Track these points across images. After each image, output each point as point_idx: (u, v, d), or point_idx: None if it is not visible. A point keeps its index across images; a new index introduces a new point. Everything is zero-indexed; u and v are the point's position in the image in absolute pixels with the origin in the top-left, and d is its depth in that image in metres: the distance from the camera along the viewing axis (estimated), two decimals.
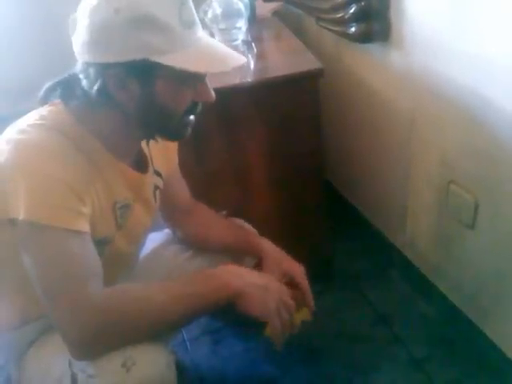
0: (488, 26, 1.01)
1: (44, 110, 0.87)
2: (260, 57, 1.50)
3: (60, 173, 0.79)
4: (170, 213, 1.17)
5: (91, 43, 0.80)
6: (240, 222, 1.26)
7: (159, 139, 0.99)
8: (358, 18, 1.33)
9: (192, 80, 0.85)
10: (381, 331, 1.47)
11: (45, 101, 0.90)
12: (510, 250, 1.15)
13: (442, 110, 1.22)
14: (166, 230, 1.24)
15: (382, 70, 1.40)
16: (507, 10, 0.95)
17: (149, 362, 0.82)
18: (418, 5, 1.19)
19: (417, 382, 1.32)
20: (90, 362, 0.80)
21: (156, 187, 1.05)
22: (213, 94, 0.89)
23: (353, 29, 1.36)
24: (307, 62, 1.38)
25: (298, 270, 1.10)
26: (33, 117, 0.86)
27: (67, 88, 0.88)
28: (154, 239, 1.20)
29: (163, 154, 1.07)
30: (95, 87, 0.82)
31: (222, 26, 1.49)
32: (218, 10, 1.48)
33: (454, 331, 1.39)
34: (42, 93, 0.90)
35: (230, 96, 1.31)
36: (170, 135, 0.95)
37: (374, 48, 1.38)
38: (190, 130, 0.92)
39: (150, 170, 1.02)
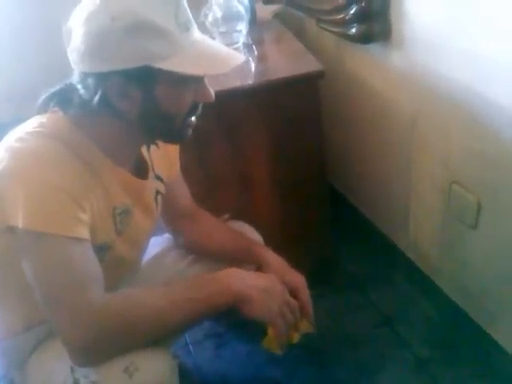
0: (488, 25, 1.01)
1: (43, 118, 0.87)
2: (261, 59, 1.50)
3: (58, 180, 0.79)
4: (172, 218, 1.16)
5: (89, 53, 0.79)
6: (243, 226, 1.25)
7: (160, 143, 0.99)
8: (358, 18, 1.33)
9: (192, 82, 0.85)
10: (385, 333, 1.46)
11: (42, 110, 0.89)
12: (511, 250, 1.15)
13: (443, 111, 1.22)
14: (167, 235, 1.23)
15: (382, 70, 1.40)
16: (507, 9, 0.95)
17: (151, 367, 0.82)
18: (418, 5, 1.19)
19: (421, 383, 1.31)
20: (91, 367, 0.80)
21: (157, 192, 1.04)
22: (212, 93, 0.89)
23: (353, 30, 1.36)
24: (308, 64, 1.38)
25: (300, 282, 1.06)
26: (31, 124, 0.86)
27: (64, 98, 0.88)
28: (155, 244, 1.19)
29: (164, 158, 1.06)
30: (96, 98, 0.82)
31: (223, 29, 1.49)
32: (219, 14, 1.48)
33: (458, 332, 1.39)
34: (39, 102, 0.90)
35: (231, 99, 1.31)
36: (172, 138, 0.95)
37: (374, 49, 1.38)
38: (191, 131, 0.92)
39: (151, 175, 1.01)
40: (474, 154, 1.17)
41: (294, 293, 1.01)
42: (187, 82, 0.84)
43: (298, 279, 1.06)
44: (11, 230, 0.78)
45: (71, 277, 0.79)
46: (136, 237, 1.01)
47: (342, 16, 1.39)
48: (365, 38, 1.35)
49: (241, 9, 1.51)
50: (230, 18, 1.49)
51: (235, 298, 0.87)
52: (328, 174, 1.59)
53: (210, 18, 1.49)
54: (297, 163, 1.44)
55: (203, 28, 1.42)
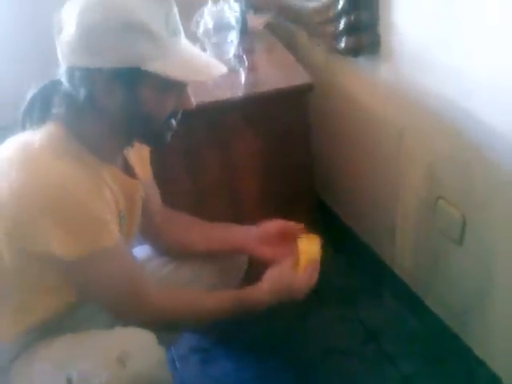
0: (474, 42, 1.01)
1: (38, 132, 0.86)
2: (251, 70, 1.50)
3: (83, 199, 0.82)
4: (148, 223, 1.13)
5: (80, 47, 0.80)
6: None
7: (136, 145, 1.00)
8: (347, 31, 1.33)
9: (176, 88, 0.87)
10: (370, 348, 1.45)
11: (28, 115, 0.89)
12: (496, 266, 1.14)
13: (429, 125, 1.22)
14: (145, 245, 1.22)
15: (371, 83, 1.41)
16: (493, 26, 0.96)
17: (143, 355, 0.85)
18: (406, 19, 1.19)
19: None
20: (84, 359, 0.84)
21: (140, 195, 1.04)
22: (193, 101, 0.91)
23: (343, 43, 1.36)
24: (297, 76, 1.39)
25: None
26: (32, 142, 0.85)
27: (47, 98, 0.88)
28: (137, 252, 1.18)
29: (139, 158, 1.06)
30: (81, 91, 0.83)
31: (214, 39, 1.49)
32: (210, 24, 1.48)
33: (443, 347, 1.38)
34: (24, 109, 0.90)
35: (221, 110, 1.32)
36: (151, 141, 0.96)
37: (363, 62, 1.39)
38: (170, 136, 0.93)
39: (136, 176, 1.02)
40: (460, 169, 1.17)
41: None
42: (171, 88, 0.86)
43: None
44: (38, 254, 0.83)
45: (124, 282, 0.90)
46: (128, 240, 1.02)
47: (331, 29, 1.39)
48: (354, 51, 1.35)
49: (232, 19, 1.51)
50: (221, 28, 1.49)
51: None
52: (315, 187, 1.59)
53: (201, 29, 1.49)
54: (286, 175, 1.44)
55: (194, 38, 1.42)
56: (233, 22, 1.50)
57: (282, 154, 1.41)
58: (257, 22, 1.77)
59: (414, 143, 1.30)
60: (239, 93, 1.37)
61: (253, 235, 1.16)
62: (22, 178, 0.81)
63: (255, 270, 1.25)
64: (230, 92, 1.35)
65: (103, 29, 0.79)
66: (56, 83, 0.88)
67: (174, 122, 0.91)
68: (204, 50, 1.50)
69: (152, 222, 1.14)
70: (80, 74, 0.82)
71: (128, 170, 1.00)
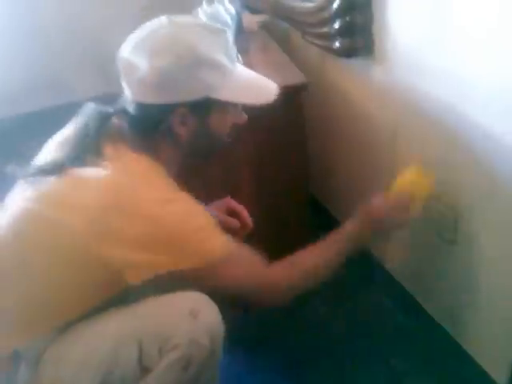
0: (468, 45, 1.03)
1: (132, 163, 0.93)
2: None
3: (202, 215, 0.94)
4: None
5: (156, 87, 0.89)
6: None
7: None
8: (342, 33, 1.35)
9: (235, 108, 0.99)
10: (360, 344, 1.47)
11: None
12: (488, 265, 1.16)
13: (422, 126, 1.24)
14: None
15: (365, 84, 1.42)
16: (487, 29, 0.97)
17: (210, 310, 0.92)
18: (401, 22, 1.21)
19: None
20: (153, 322, 0.90)
21: None
22: (245, 115, 1.02)
23: (337, 43, 1.38)
24: (292, 76, 1.40)
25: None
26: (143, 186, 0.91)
27: (124, 131, 0.96)
28: None
29: None
30: (162, 126, 0.93)
31: None
32: None
33: (434, 346, 1.39)
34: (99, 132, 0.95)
35: None
36: (209, 156, 1.08)
37: (357, 63, 1.40)
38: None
39: None
40: (452, 169, 1.19)
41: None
42: (233, 108, 0.98)
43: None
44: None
45: (248, 270, 0.97)
46: None
47: (326, 30, 1.41)
48: (348, 52, 1.37)
49: (228, 18, 1.52)
50: None
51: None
52: (309, 186, 1.61)
53: None
54: (280, 174, 1.45)
55: None
56: (229, 21, 1.51)
57: (276, 153, 1.42)
58: (252, 21, 1.78)
59: (408, 143, 1.32)
60: None
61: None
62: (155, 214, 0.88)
63: None
64: None
65: (176, 69, 0.88)
66: (117, 111, 0.97)
67: (228, 138, 1.02)
68: None
69: None
70: (157, 110, 0.91)
71: None
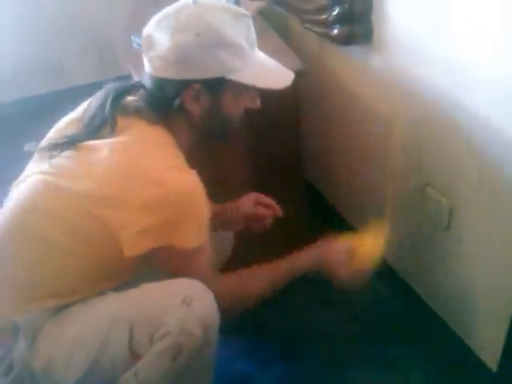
0: (467, 33, 1.03)
1: (152, 133, 0.97)
2: None
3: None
4: None
5: (175, 62, 0.92)
6: None
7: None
8: (341, 20, 1.34)
9: (249, 91, 1.00)
10: (355, 330, 1.49)
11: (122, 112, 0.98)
12: (483, 252, 1.18)
13: (420, 114, 1.24)
14: None
15: (363, 72, 1.42)
16: (486, 18, 0.97)
17: (203, 299, 0.92)
18: (399, 9, 1.21)
19: (391, 382, 1.34)
20: (146, 307, 0.91)
21: None
22: (259, 101, 1.03)
23: (336, 31, 1.37)
24: (289, 62, 1.38)
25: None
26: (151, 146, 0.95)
27: (144, 102, 0.99)
28: None
29: None
30: (176, 101, 0.95)
31: None
32: None
33: (429, 332, 1.42)
34: (119, 104, 0.99)
35: None
36: (223, 137, 1.10)
37: (356, 50, 1.40)
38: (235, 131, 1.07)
39: None
40: (448, 157, 1.20)
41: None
42: (247, 91, 0.99)
43: (251, 208, 1.26)
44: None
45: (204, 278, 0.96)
46: None
47: (325, 17, 1.40)
48: (347, 40, 1.36)
49: (225, 3, 1.50)
50: None
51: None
52: (306, 173, 1.61)
53: None
54: (274, 160, 1.45)
55: None
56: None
57: (271, 138, 1.41)
58: (249, 7, 1.76)
59: (405, 131, 1.33)
60: None
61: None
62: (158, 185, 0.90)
63: (242, 247, 1.28)
64: None
65: (196, 47, 0.91)
66: (135, 86, 1.01)
67: (241, 119, 1.03)
68: None
69: None
70: (173, 86, 0.94)
71: None
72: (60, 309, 0.94)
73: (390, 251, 1.55)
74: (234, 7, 0.97)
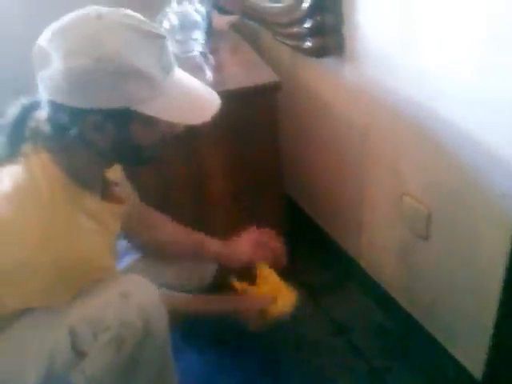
0: (435, 43, 1.04)
1: (31, 165, 0.86)
2: (217, 69, 1.49)
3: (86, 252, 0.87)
4: (127, 222, 1.12)
5: (69, 88, 0.78)
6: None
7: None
8: (313, 32, 1.35)
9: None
10: (340, 343, 1.47)
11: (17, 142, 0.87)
12: (463, 260, 1.18)
13: (393, 124, 1.25)
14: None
15: (336, 84, 1.43)
16: (453, 27, 0.99)
17: (142, 292, 0.92)
18: (370, 21, 1.22)
19: None
20: (86, 305, 0.88)
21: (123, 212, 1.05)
22: (181, 126, 0.92)
23: (308, 43, 1.38)
24: (264, 75, 1.39)
25: (252, 256, 1.24)
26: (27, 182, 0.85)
27: (34, 130, 0.87)
28: None
29: None
30: (72, 131, 0.82)
31: (179, 37, 1.47)
32: (175, 21, 1.47)
33: (413, 343, 1.41)
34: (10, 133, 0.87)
35: None
36: (138, 165, 0.99)
37: (328, 62, 1.41)
38: (156, 157, 0.95)
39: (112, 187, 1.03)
40: (423, 165, 1.20)
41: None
42: (161, 122, 0.86)
43: (250, 254, 1.23)
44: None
45: None
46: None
47: (297, 29, 1.41)
48: (319, 52, 1.37)
49: (197, 17, 1.50)
50: (186, 26, 1.47)
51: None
52: (285, 185, 1.60)
53: (166, 26, 1.47)
54: (253, 173, 1.44)
55: None
56: (199, 20, 1.49)
57: (249, 152, 1.41)
58: (222, 22, 1.77)
59: (379, 141, 1.33)
60: None
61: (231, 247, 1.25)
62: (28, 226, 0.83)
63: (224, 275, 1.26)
64: None
65: (95, 73, 0.77)
66: (34, 106, 0.87)
67: (160, 147, 0.92)
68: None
69: (130, 219, 1.13)
70: (69, 113, 0.81)
71: (105, 182, 1.00)
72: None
73: (370, 260, 1.56)
74: (146, 26, 0.82)
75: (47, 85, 0.80)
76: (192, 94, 0.90)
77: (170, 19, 1.46)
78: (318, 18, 1.31)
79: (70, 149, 0.87)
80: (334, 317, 1.55)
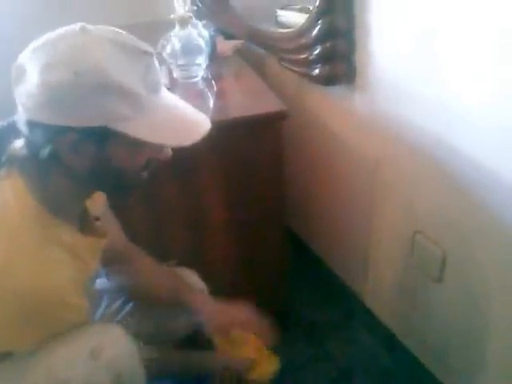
0: (451, 73, 0.99)
1: (5, 194, 0.79)
2: (220, 96, 1.44)
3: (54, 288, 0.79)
4: (109, 258, 1.04)
5: (44, 104, 0.73)
6: (184, 271, 1.19)
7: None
8: (322, 59, 1.29)
9: (150, 144, 0.79)
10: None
11: None
12: (478, 305, 1.10)
13: (407, 156, 1.19)
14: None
15: (345, 113, 1.37)
16: (469, 58, 0.94)
17: (115, 347, 0.87)
18: (383, 49, 1.17)
19: None
20: (61, 360, 0.82)
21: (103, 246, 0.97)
22: (170, 152, 0.85)
23: (317, 70, 1.32)
24: (270, 103, 1.33)
25: (240, 316, 1.10)
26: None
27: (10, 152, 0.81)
28: None
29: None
30: (44, 151, 0.76)
31: (181, 61, 1.42)
32: (177, 46, 1.42)
33: None
34: None
35: None
36: (120, 193, 0.91)
37: (337, 91, 1.35)
38: (141, 185, 0.87)
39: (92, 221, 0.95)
40: (439, 203, 1.14)
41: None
42: (145, 144, 0.78)
43: (230, 317, 1.10)
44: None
45: None
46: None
47: (305, 56, 1.35)
48: (328, 80, 1.31)
49: (201, 42, 1.45)
50: (189, 50, 1.42)
51: None
52: (287, 218, 1.53)
53: (168, 50, 1.42)
54: (255, 206, 1.37)
55: (160, 59, 1.35)
56: (202, 45, 1.44)
57: (252, 184, 1.34)
58: (226, 46, 1.72)
59: (391, 174, 1.27)
60: None
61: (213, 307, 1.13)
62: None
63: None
64: None
65: (72, 88, 0.72)
66: (11, 126, 0.80)
67: (145, 173, 0.85)
68: (170, 71, 1.43)
69: (114, 257, 1.06)
70: (42, 131, 0.75)
71: (85, 214, 0.92)
72: None
73: (376, 300, 1.48)
74: (132, 42, 0.77)
75: (22, 101, 0.75)
76: (179, 115, 0.83)
77: (172, 43, 1.42)
78: (329, 45, 1.25)
79: (45, 173, 0.80)
80: (336, 358, 1.48)
